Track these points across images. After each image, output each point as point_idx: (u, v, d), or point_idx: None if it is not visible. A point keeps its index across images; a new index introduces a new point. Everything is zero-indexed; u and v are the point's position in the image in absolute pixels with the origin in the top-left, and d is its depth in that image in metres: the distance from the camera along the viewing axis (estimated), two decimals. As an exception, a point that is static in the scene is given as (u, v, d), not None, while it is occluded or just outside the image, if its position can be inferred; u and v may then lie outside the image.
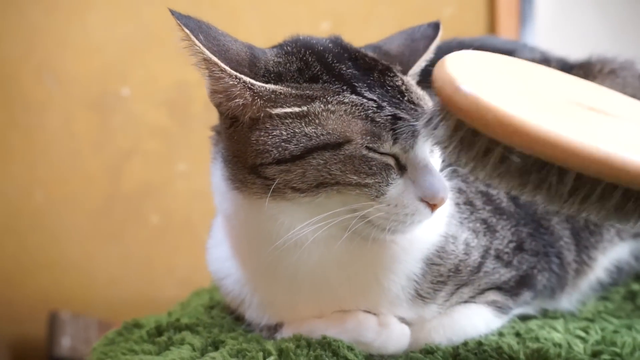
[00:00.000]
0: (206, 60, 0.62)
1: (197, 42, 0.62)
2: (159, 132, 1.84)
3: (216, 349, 0.70)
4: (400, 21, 0.85)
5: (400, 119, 0.63)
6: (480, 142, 0.50)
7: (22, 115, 1.75)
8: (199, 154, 0.78)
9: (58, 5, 1.75)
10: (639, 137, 0.50)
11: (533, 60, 0.92)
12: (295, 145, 0.63)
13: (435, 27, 0.76)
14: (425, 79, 0.74)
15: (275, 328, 0.74)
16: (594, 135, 0.48)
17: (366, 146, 0.62)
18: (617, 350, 0.69)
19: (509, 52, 0.92)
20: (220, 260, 0.77)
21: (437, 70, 0.52)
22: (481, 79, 0.52)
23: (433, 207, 0.64)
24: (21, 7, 1.74)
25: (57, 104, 1.77)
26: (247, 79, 0.63)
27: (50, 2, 1.74)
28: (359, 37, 0.78)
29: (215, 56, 0.62)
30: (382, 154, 0.63)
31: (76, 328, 1.66)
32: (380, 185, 0.63)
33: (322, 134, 0.62)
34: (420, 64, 0.74)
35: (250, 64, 0.65)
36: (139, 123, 1.83)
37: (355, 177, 0.62)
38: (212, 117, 0.74)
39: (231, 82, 0.63)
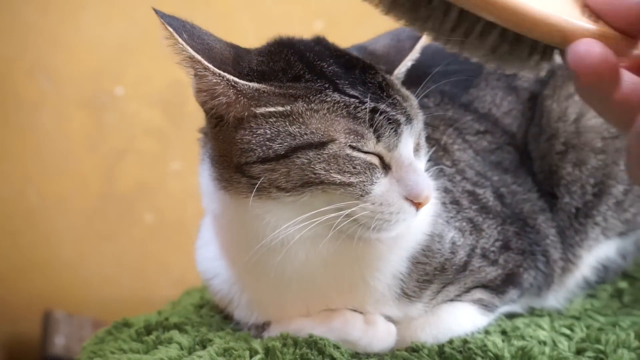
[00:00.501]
0: (190, 58, 0.63)
1: (180, 40, 0.62)
2: (153, 131, 1.84)
3: (204, 347, 0.70)
4: (393, 21, 0.85)
5: (380, 112, 0.63)
6: None
7: (15, 114, 1.75)
8: (193, 153, 0.78)
9: (51, 5, 1.75)
10: None
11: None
12: (280, 144, 0.63)
13: None
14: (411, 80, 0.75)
15: (263, 327, 0.75)
16: None
17: (349, 145, 0.63)
18: (601, 347, 0.70)
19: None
20: (209, 260, 0.78)
21: None
22: None
23: (418, 205, 0.65)
24: (14, 7, 1.74)
25: (50, 104, 1.77)
26: (231, 77, 0.63)
27: (44, 2, 1.74)
28: (353, 37, 0.78)
29: (199, 54, 0.63)
30: (366, 152, 0.63)
31: (70, 327, 1.66)
32: (364, 185, 0.63)
33: (306, 133, 0.63)
34: (406, 63, 0.74)
35: (234, 62, 0.65)
36: (133, 122, 1.83)
37: (339, 177, 0.62)
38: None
39: (215, 80, 0.63)
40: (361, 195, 0.63)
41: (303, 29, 0.75)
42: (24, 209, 1.76)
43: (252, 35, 0.76)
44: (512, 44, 0.51)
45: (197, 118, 0.74)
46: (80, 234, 1.80)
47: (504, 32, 0.50)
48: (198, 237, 0.81)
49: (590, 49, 0.45)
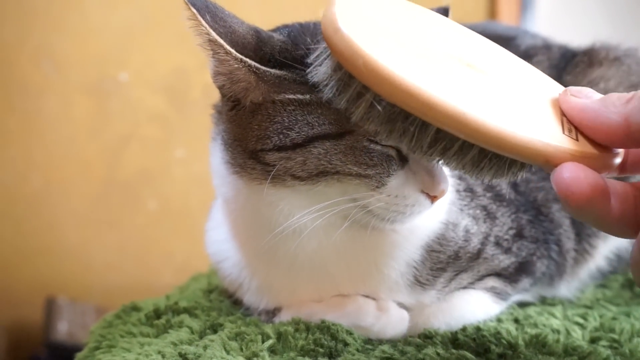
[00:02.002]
0: (212, 41, 0.61)
1: (203, 22, 0.61)
2: (157, 117, 1.83)
3: (215, 332, 0.70)
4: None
5: None
6: (354, 85, 0.51)
7: (20, 100, 1.75)
8: (197, 139, 0.77)
9: (56, -10, 1.74)
10: (504, 100, 0.50)
11: (534, 46, 0.92)
12: (297, 133, 0.62)
13: (445, 11, 0.74)
14: None
15: (273, 312, 0.74)
16: (458, 93, 0.48)
17: (368, 138, 0.62)
18: (615, 336, 0.69)
19: (510, 37, 0.92)
20: (219, 242, 0.77)
21: (326, 8, 0.53)
22: (364, 21, 0.52)
23: (433, 198, 0.64)
24: (19, -9, 1.73)
25: (54, 89, 1.76)
26: (253, 63, 0.62)
27: (48, -14, 1.73)
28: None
29: (222, 38, 0.61)
30: (383, 145, 0.63)
31: (73, 313, 1.66)
32: (381, 177, 0.62)
33: (324, 124, 0.62)
34: None
35: (256, 47, 0.64)
36: (137, 108, 1.82)
37: (355, 168, 0.62)
38: (211, 103, 0.73)
39: (236, 65, 0.62)
40: (377, 187, 0.63)
41: (309, 17, 0.74)
42: (27, 195, 1.76)
43: (258, 22, 0.75)
44: (491, 160, 0.50)
45: (202, 105, 0.73)
46: (83, 220, 1.80)
47: (483, 149, 0.49)
48: (209, 218, 0.80)
49: (575, 175, 0.45)
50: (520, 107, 0.50)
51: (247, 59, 0.62)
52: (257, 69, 0.62)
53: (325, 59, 0.54)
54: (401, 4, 0.59)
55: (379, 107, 0.50)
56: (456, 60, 0.53)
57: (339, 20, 0.50)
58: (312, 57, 0.58)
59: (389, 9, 0.56)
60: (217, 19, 0.62)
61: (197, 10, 0.61)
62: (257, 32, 0.65)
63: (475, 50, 0.56)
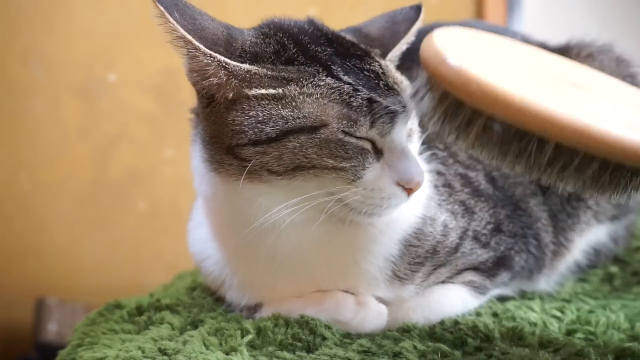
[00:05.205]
0: (180, 38, 0.62)
1: (171, 19, 0.62)
2: (145, 118, 1.83)
3: (195, 328, 0.70)
4: (388, 7, 0.85)
5: (376, 102, 0.63)
6: (463, 112, 0.52)
7: (8, 100, 1.74)
8: (186, 140, 0.78)
9: (44, -9, 1.74)
10: (616, 111, 0.51)
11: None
12: (272, 127, 0.63)
13: (417, 9, 0.75)
14: (405, 62, 0.75)
15: (255, 308, 0.75)
16: (574, 108, 0.49)
17: (342, 130, 0.62)
18: (591, 329, 0.71)
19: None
20: (201, 241, 0.78)
21: (424, 44, 0.54)
22: (466, 53, 0.53)
23: (409, 191, 0.65)
24: (6, -7, 1.73)
25: (43, 90, 1.76)
26: (222, 58, 0.63)
27: (36, -13, 1.73)
28: (346, 23, 0.78)
29: (190, 34, 0.62)
30: (358, 138, 0.63)
31: (63, 314, 1.66)
32: (356, 169, 0.63)
33: (298, 117, 0.62)
34: (401, 46, 0.74)
35: (227, 43, 0.65)
36: (126, 109, 1.82)
37: (331, 161, 0.62)
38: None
39: (206, 61, 0.63)
40: (353, 180, 0.63)
41: (297, 15, 0.74)
42: (16, 196, 1.76)
43: (246, 21, 0.76)
44: (613, 173, 0.50)
45: (190, 105, 0.74)
46: (73, 221, 1.79)
47: (605, 162, 0.49)
48: (190, 218, 0.80)
49: None
50: (634, 119, 0.50)
51: (217, 54, 0.63)
52: (227, 63, 0.63)
53: (426, 92, 0.54)
54: (488, 38, 0.60)
55: (495, 129, 0.50)
56: (561, 81, 0.53)
57: (444, 52, 0.51)
58: (409, 94, 0.57)
59: (482, 43, 0.57)
60: (185, 16, 0.63)
61: (165, 7, 0.62)
62: (227, 29, 0.66)
63: (572, 71, 0.57)
